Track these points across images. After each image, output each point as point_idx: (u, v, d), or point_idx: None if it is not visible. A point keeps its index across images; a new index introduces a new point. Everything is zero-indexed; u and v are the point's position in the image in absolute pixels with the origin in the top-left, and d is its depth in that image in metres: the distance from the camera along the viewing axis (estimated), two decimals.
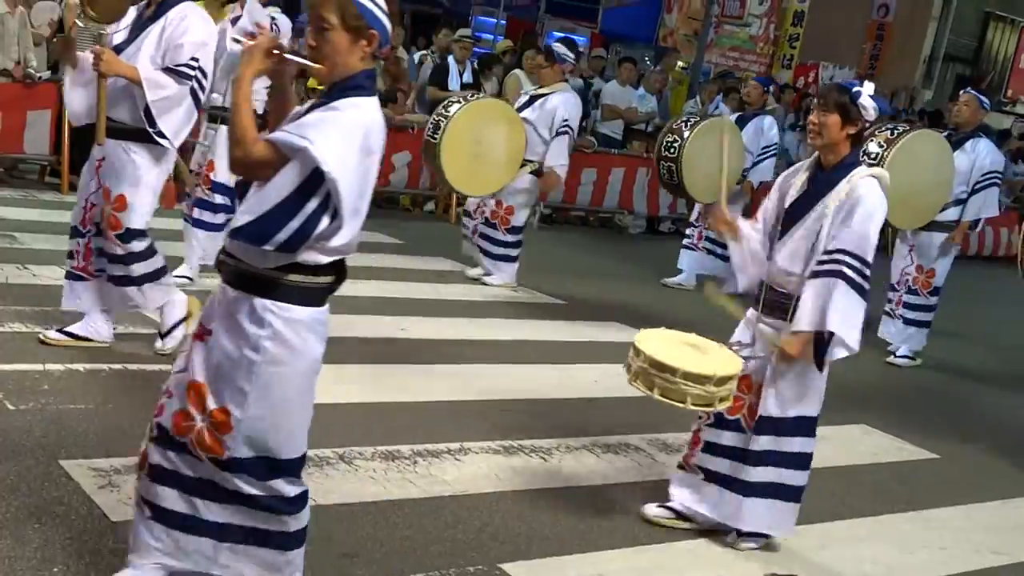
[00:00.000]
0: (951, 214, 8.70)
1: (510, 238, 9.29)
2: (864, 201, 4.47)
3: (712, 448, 4.81)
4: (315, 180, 3.13)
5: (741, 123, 10.40)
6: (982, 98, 8.88)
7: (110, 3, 5.66)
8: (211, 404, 3.32)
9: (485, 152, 8.76)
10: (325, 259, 3.33)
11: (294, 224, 3.15)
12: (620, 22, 20.05)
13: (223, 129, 7.43)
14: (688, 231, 10.85)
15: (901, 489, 5.93)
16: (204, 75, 5.78)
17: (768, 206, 4.84)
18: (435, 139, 8.55)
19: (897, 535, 5.30)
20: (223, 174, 7.72)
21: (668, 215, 14.39)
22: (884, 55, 23.23)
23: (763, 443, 4.67)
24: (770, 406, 4.65)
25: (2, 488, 4.11)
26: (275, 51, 3.30)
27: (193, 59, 5.65)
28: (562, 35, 17.09)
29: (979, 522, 5.67)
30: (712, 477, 4.80)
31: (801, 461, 4.76)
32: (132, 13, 5.79)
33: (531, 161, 9.13)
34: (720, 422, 4.77)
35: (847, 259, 4.45)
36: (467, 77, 12.72)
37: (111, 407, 5.09)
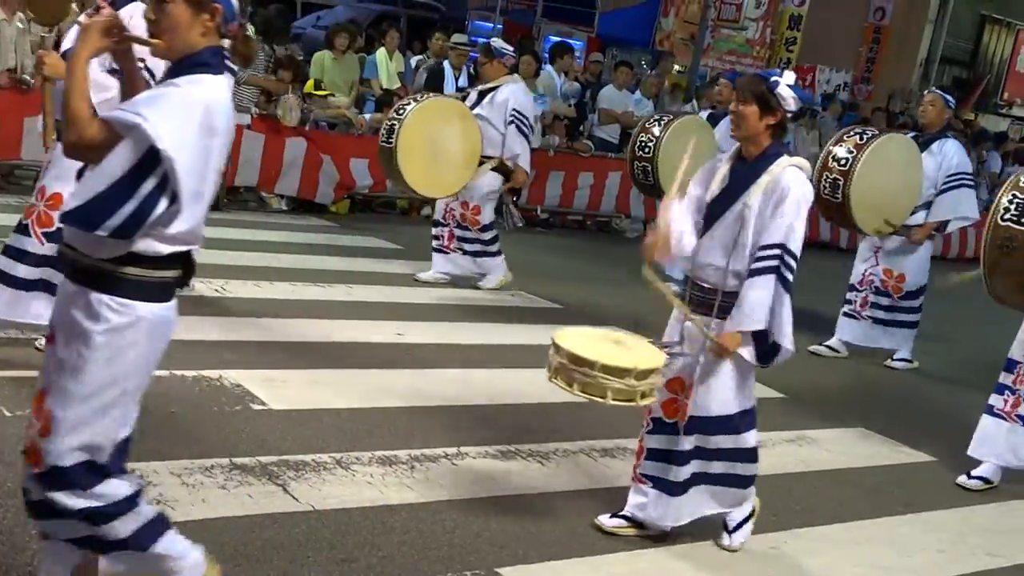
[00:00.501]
0: (920, 218, 8.54)
1: (484, 236, 9.18)
2: (791, 192, 4.39)
3: (652, 454, 4.72)
4: (150, 160, 2.94)
5: (713, 121, 10.24)
6: (947, 98, 8.76)
7: (50, 5, 5.62)
8: (43, 408, 3.16)
9: (442, 152, 8.68)
10: (166, 249, 3.11)
11: (128, 208, 2.94)
12: (617, 26, 20.04)
13: None
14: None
15: (898, 492, 5.93)
16: (152, 75, 5.77)
17: (692, 195, 4.69)
18: (390, 143, 8.48)
19: (894, 538, 5.30)
20: None
21: None
22: (880, 58, 23.25)
23: (691, 442, 4.62)
24: (700, 405, 4.58)
25: None
26: (115, 29, 3.13)
27: (140, 60, 5.64)
28: (559, 39, 17.11)
29: (976, 525, 5.67)
30: (650, 482, 4.71)
31: (746, 454, 4.73)
32: (83, 19, 5.78)
33: (490, 157, 9.01)
34: (659, 427, 4.69)
35: (782, 254, 4.37)
36: (463, 82, 12.71)
37: None
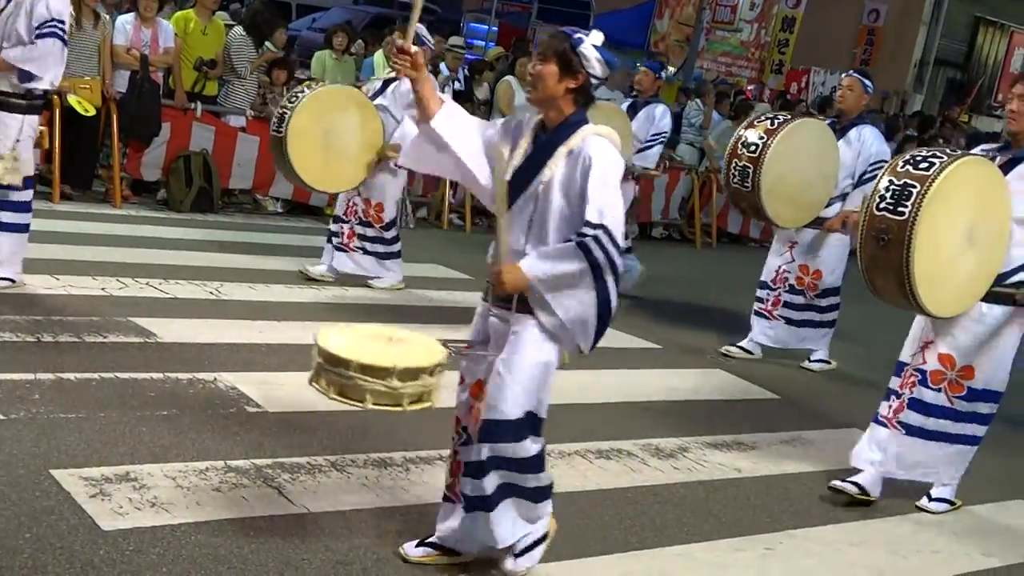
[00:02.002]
0: (837, 209, 8.04)
1: (387, 234, 8.70)
2: (594, 163, 3.84)
3: (470, 468, 4.15)
4: None
5: (634, 110, 9.91)
6: (866, 82, 8.19)
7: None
8: None
9: (337, 143, 8.20)
10: None
11: None
12: (612, 28, 19.95)
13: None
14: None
15: (892, 493, 5.92)
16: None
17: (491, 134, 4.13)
18: (280, 133, 8.01)
19: (889, 539, 5.30)
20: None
21: (660, 220, 14.40)
22: (874, 60, 23.30)
23: (485, 452, 4.01)
24: (490, 408, 3.98)
25: None
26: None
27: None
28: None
29: (970, 525, 5.68)
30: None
31: (531, 464, 4.09)
32: None
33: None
34: (470, 439, 4.12)
35: (596, 234, 3.79)
36: (458, 84, 12.73)
37: (102, 416, 5.08)
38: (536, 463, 4.10)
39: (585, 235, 3.80)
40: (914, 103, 23.59)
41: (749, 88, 20.09)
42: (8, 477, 4.29)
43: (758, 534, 5.04)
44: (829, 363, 8.51)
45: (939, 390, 5.53)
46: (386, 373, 3.77)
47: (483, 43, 18.31)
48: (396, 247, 8.81)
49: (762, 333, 8.41)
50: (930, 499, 5.72)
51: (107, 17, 10.60)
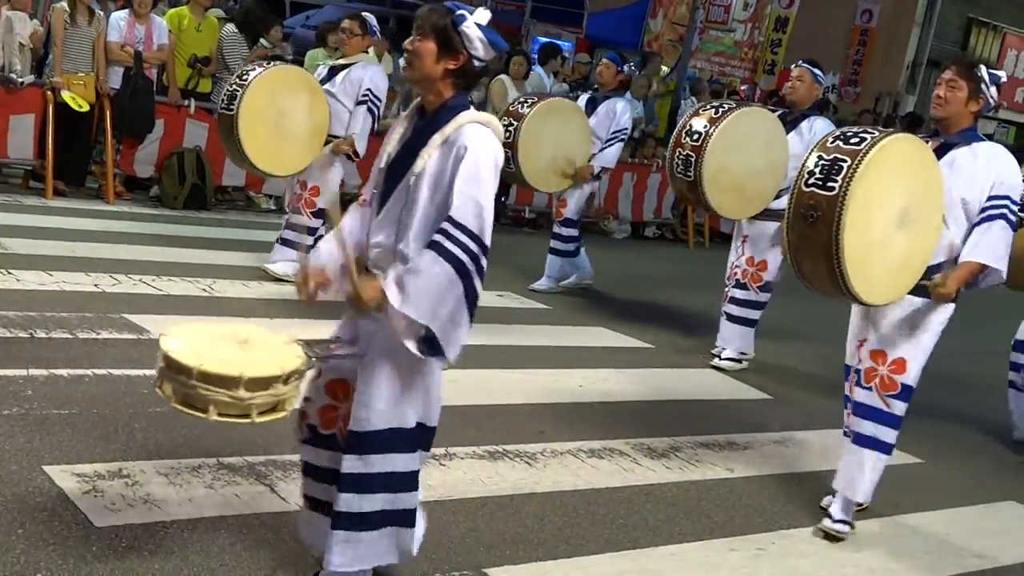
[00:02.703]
0: (784, 202, 7.77)
1: (314, 223, 8.24)
2: (468, 152, 3.48)
3: (312, 471, 3.89)
4: None
5: (593, 105, 9.69)
6: (817, 72, 7.95)
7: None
8: None
9: (287, 126, 7.98)
10: None
11: None
12: (605, 27, 20.06)
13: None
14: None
15: (885, 494, 5.93)
16: None
17: (374, 169, 3.82)
18: (230, 111, 7.77)
19: (881, 540, 5.31)
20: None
21: (653, 220, 14.41)
22: (867, 60, 23.33)
23: (350, 464, 3.65)
24: (357, 417, 3.64)
25: None
26: None
27: None
28: (547, 40, 17.12)
29: (963, 527, 5.69)
30: (315, 506, 3.90)
31: (402, 482, 3.72)
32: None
33: (336, 137, 8.32)
34: (316, 438, 3.84)
35: (453, 231, 3.44)
36: None
37: (95, 412, 5.07)
38: (407, 482, 3.73)
39: (446, 235, 3.43)
40: (907, 104, 23.61)
41: (742, 88, 20.11)
42: (1, 473, 4.28)
43: (750, 534, 5.05)
44: (740, 362, 8.11)
45: (870, 388, 5.23)
46: (232, 383, 3.36)
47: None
48: (311, 239, 8.02)
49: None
50: (832, 520, 5.24)
51: (101, 13, 10.58)
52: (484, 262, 3.52)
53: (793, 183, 4.90)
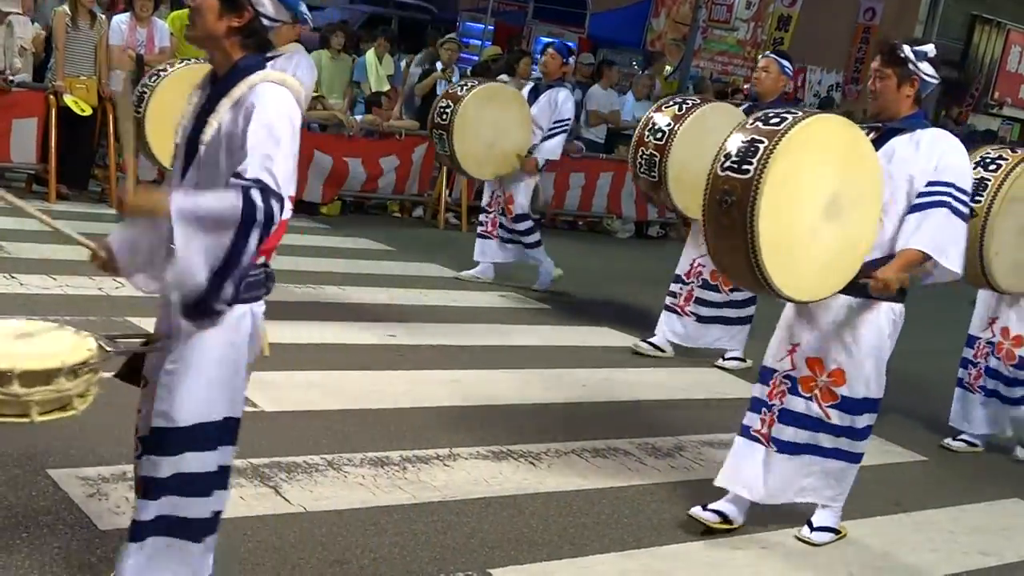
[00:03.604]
0: None
1: None
2: (257, 112, 3.20)
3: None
4: None
5: (535, 94, 9.51)
6: (784, 63, 7.67)
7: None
8: None
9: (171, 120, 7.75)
10: None
11: None
12: (608, 27, 20.05)
13: None
14: (481, 218, 9.79)
15: (889, 492, 5.93)
16: None
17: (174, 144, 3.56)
18: (139, 114, 7.30)
19: (886, 537, 5.31)
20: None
21: (656, 219, 14.41)
22: (869, 58, 23.27)
23: (159, 466, 3.35)
24: (160, 411, 3.36)
25: None
26: None
27: None
28: (550, 40, 17.11)
29: (967, 524, 5.69)
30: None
31: (196, 485, 3.38)
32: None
33: None
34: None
35: (249, 184, 3.12)
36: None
37: (99, 416, 5.06)
38: (197, 485, 3.39)
39: (241, 183, 3.13)
40: None
41: (745, 87, 20.09)
42: (5, 476, 4.29)
43: (755, 533, 5.04)
44: (744, 361, 8.01)
45: (810, 398, 4.90)
46: (3, 378, 3.07)
47: (479, 42, 18.28)
48: None
49: (671, 330, 8.02)
50: (811, 528, 5.08)
51: (103, 17, 10.60)
52: (274, 218, 3.17)
53: (709, 169, 4.50)
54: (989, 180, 6.21)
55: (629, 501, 5.18)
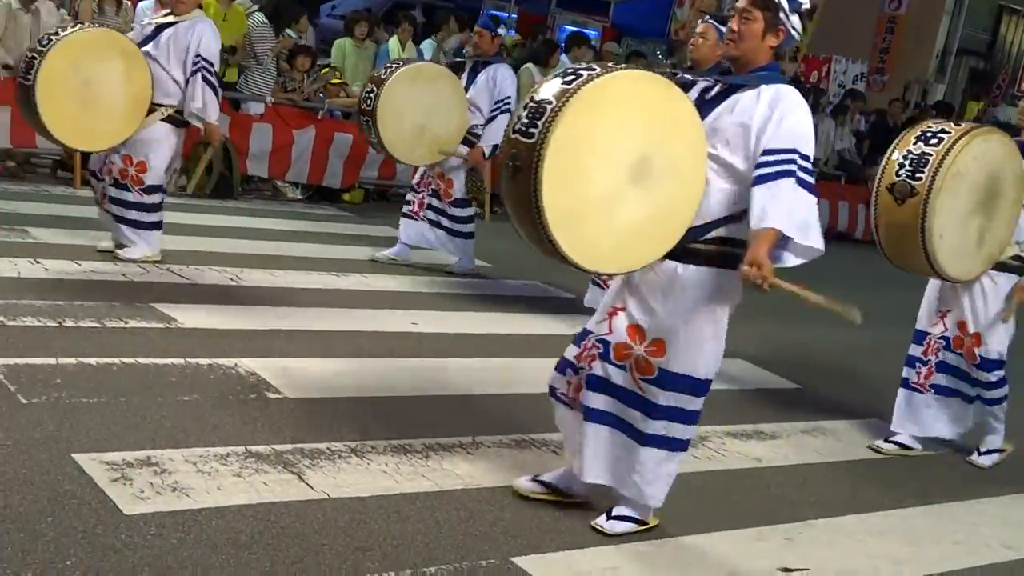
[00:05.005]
0: None
1: (147, 199, 7.66)
2: None
3: None
4: None
5: (473, 74, 9.03)
6: (722, 30, 7.36)
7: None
8: None
9: (98, 96, 7.18)
10: None
11: None
12: (631, 16, 20.01)
13: None
14: (408, 196, 9.38)
15: (913, 484, 5.91)
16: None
17: None
18: (28, 80, 6.95)
19: (909, 530, 5.28)
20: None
21: None
22: (895, 49, 23.13)
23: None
24: None
25: (15, 482, 4.12)
26: None
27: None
28: (574, 29, 17.07)
29: (991, 516, 5.65)
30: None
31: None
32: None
33: (162, 106, 7.55)
34: None
35: None
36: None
37: (123, 400, 5.10)
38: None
39: None
40: (936, 93, 23.42)
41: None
42: (30, 461, 4.30)
43: (778, 524, 5.03)
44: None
45: (623, 367, 4.47)
46: None
47: (502, 31, 18.27)
48: (155, 216, 7.77)
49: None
50: (611, 516, 4.61)
51: (128, 3, 10.64)
52: None
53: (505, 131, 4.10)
54: (931, 155, 5.56)
55: None
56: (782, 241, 4.25)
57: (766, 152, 4.19)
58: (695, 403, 4.52)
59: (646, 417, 4.46)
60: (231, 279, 7.65)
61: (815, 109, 16.59)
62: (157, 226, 7.79)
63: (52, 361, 5.43)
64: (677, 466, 4.61)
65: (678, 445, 4.55)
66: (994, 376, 6.29)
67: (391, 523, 4.35)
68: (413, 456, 5.05)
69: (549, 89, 3.97)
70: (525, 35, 16.82)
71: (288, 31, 12.05)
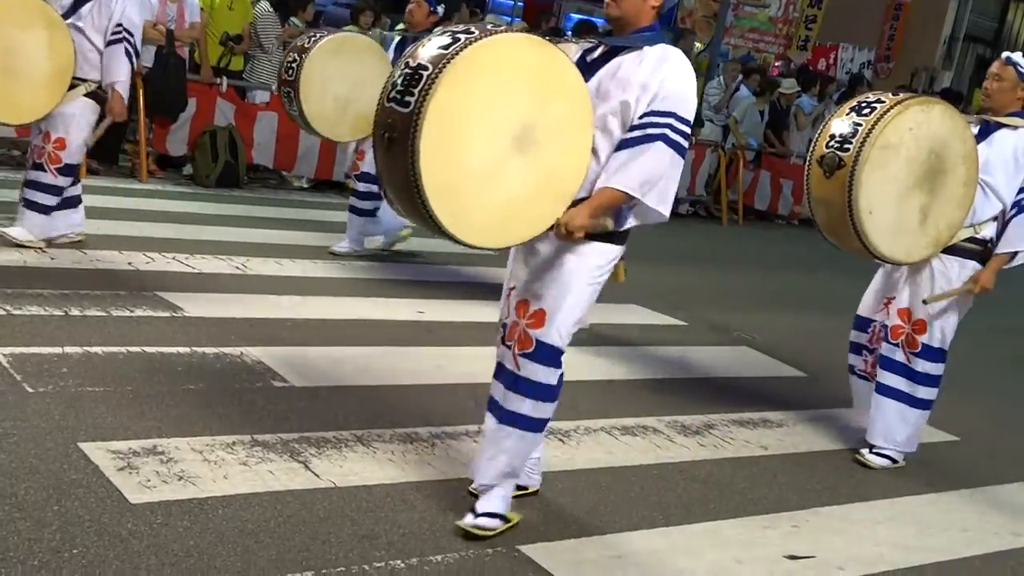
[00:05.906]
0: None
1: (60, 181, 7.25)
2: None
3: None
4: None
5: (402, 48, 8.32)
6: None
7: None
8: None
9: (19, 66, 6.81)
10: None
11: None
12: None
13: None
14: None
15: (920, 471, 5.90)
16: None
17: None
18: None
19: (916, 517, 5.28)
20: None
21: (686, 196, 14.34)
22: (901, 36, 23.08)
23: None
24: None
25: (21, 470, 4.12)
26: None
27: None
28: (580, 17, 17.03)
29: (999, 504, 5.65)
30: None
31: None
32: None
33: (84, 80, 7.21)
34: None
35: None
36: None
37: (129, 389, 5.10)
38: None
39: None
40: (943, 80, 23.37)
41: (776, 64, 19.96)
42: (37, 450, 4.31)
43: (785, 511, 5.03)
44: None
45: (509, 347, 4.28)
46: None
47: (508, 18, 18.22)
48: (53, 200, 7.29)
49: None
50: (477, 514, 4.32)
51: None
52: None
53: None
54: (861, 125, 5.23)
55: (659, 479, 5.16)
56: (631, 201, 4.08)
57: (645, 114, 3.99)
58: (553, 377, 4.27)
59: (507, 391, 4.30)
60: (237, 268, 7.65)
61: (822, 96, 16.58)
62: (47, 210, 7.27)
63: (58, 350, 5.43)
64: (527, 444, 4.38)
65: (536, 424, 4.34)
66: (933, 369, 5.82)
67: (397, 511, 4.35)
68: (419, 444, 5.05)
69: (425, 53, 3.72)
70: (531, 22, 16.77)
71: (294, 19, 12.02)
